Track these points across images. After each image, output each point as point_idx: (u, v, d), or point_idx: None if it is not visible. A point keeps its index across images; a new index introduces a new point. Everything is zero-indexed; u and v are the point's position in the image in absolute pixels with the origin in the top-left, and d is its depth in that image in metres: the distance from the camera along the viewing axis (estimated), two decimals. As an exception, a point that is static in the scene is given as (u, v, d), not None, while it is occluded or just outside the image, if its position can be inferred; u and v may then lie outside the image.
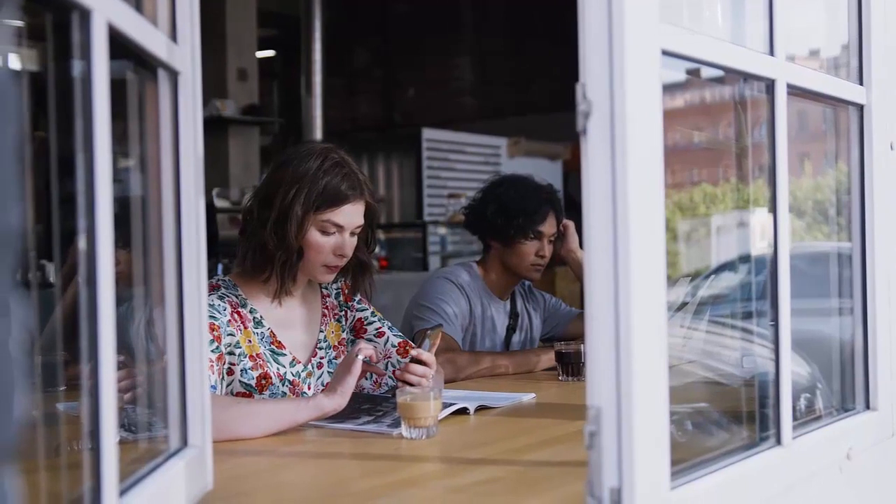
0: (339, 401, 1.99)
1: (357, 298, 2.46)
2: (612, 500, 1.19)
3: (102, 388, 1.02)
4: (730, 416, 1.75)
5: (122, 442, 1.09)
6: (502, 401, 2.30)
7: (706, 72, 1.57)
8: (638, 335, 1.19)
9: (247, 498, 1.56)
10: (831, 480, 1.70)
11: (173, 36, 1.37)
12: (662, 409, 1.24)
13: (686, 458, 1.37)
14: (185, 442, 1.40)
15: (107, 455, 1.03)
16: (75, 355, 1.11)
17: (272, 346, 2.25)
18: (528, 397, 2.39)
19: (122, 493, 1.12)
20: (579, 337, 3.02)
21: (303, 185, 2.18)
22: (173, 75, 1.36)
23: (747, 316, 1.98)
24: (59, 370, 1.40)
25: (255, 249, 2.22)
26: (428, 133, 8.25)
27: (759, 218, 1.92)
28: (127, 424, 1.43)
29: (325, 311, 2.41)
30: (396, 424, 1.94)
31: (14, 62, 0.59)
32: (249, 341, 2.20)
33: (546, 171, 7.41)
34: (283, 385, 2.23)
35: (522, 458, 1.76)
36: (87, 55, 1.01)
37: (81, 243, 1.03)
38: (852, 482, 1.75)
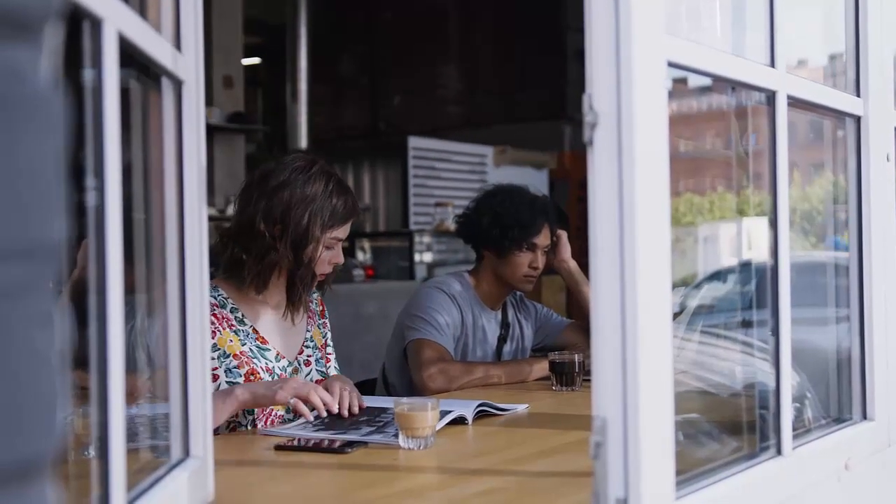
0: (250, 395, 2.09)
1: (325, 318, 2.57)
2: (617, 511, 1.19)
3: (111, 398, 1.01)
4: (729, 427, 1.76)
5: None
6: (498, 409, 2.30)
7: (692, 81, 1.58)
8: (644, 345, 1.19)
9: (247, 509, 1.55)
10: (830, 490, 1.71)
11: (177, 44, 1.36)
12: (668, 419, 1.24)
13: (688, 469, 1.38)
14: (187, 453, 1.39)
15: (115, 466, 1.02)
16: (73, 363, 1.11)
17: (257, 343, 2.32)
18: (522, 408, 2.38)
19: (128, 504, 1.11)
20: (571, 346, 3.02)
21: (315, 208, 2.29)
22: (177, 84, 1.36)
23: (739, 326, 1.99)
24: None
25: (268, 268, 2.30)
26: (414, 141, 8.25)
27: (748, 228, 1.93)
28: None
29: (310, 314, 2.50)
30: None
31: (58, 75, 0.59)
32: (230, 341, 2.27)
33: (532, 180, 7.41)
34: (272, 378, 2.30)
35: (522, 469, 1.76)
36: (97, 64, 1.01)
37: (91, 251, 1.02)
38: (850, 492, 1.75)
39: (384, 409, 2.22)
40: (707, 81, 1.61)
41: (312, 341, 2.48)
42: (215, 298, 2.29)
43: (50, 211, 0.54)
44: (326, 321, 2.57)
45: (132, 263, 1.36)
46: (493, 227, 3.04)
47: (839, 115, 1.85)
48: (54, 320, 0.56)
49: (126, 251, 1.30)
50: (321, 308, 2.58)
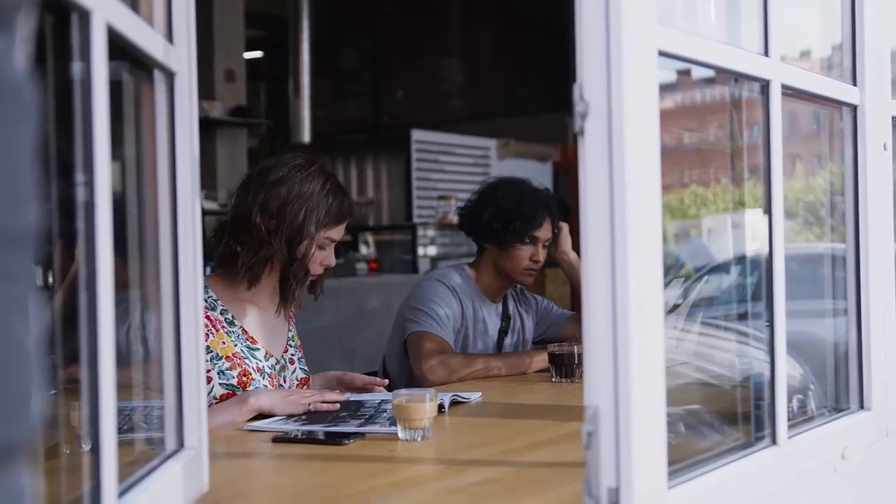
0: (269, 402, 2.15)
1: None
2: (609, 500, 1.19)
3: (102, 390, 1.02)
4: (724, 416, 1.76)
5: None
6: (462, 398, 2.35)
7: (696, 73, 1.58)
8: (635, 335, 1.19)
9: (242, 500, 1.56)
10: (826, 480, 1.71)
11: (169, 37, 1.36)
12: (660, 409, 1.24)
13: (683, 459, 1.38)
14: (181, 444, 1.40)
15: (106, 457, 1.02)
16: (69, 357, 1.11)
17: (247, 343, 2.35)
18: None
19: (121, 494, 1.11)
20: (572, 339, 3.02)
21: (311, 205, 2.31)
22: (169, 76, 1.36)
23: (740, 317, 1.99)
24: (52, 373, 1.39)
25: (261, 262, 2.32)
26: (417, 135, 8.24)
27: (751, 219, 1.93)
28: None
29: (291, 314, 2.54)
30: (395, 423, 1.93)
31: (32, 64, 0.59)
32: (223, 343, 2.30)
33: (536, 173, 7.41)
34: (262, 378, 2.33)
35: (519, 459, 1.77)
36: (86, 56, 1.01)
37: (80, 246, 1.03)
38: (847, 482, 1.75)
39: (362, 403, 2.24)
40: (711, 72, 1.60)
41: (294, 341, 2.52)
42: (205, 301, 2.30)
43: (25, 199, 0.54)
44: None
45: (126, 258, 1.36)
46: (495, 219, 3.04)
47: (835, 104, 1.85)
48: (31, 307, 0.56)
49: (120, 246, 1.30)
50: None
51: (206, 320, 2.26)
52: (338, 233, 2.39)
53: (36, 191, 0.56)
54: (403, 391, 2.00)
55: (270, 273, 2.36)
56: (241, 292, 2.37)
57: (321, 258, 2.37)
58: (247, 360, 2.31)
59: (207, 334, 2.25)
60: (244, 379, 2.28)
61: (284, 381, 2.42)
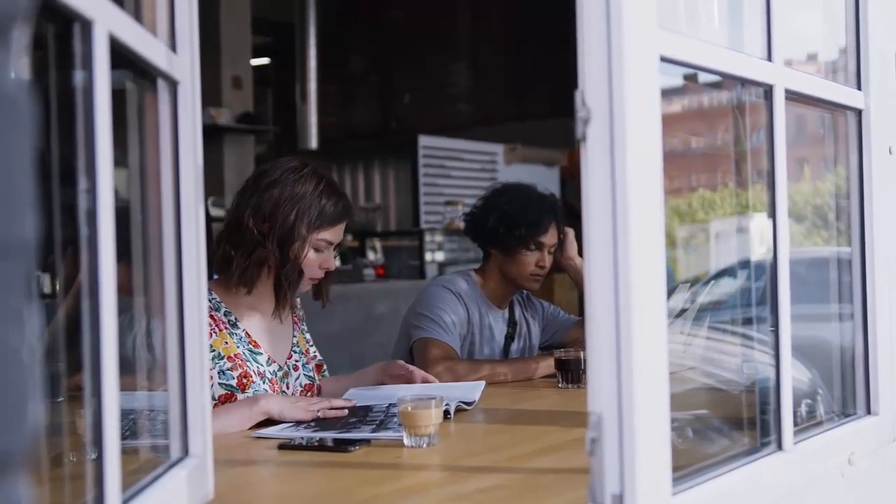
0: (277, 407, 2.13)
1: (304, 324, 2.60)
2: (614, 507, 1.19)
3: (105, 398, 1.02)
4: (731, 422, 1.75)
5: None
6: (462, 392, 2.35)
7: (703, 77, 1.58)
8: (639, 341, 1.19)
9: (248, 507, 1.56)
10: (833, 485, 1.70)
11: (173, 45, 1.37)
12: (664, 415, 1.24)
13: (688, 465, 1.37)
14: (186, 452, 1.40)
15: (110, 465, 1.02)
16: (75, 365, 1.11)
17: (249, 346, 2.35)
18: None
19: (125, 502, 1.11)
20: (578, 344, 3.02)
21: (303, 206, 2.31)
22: (173, 85, 1.36)
23: (747, 322, 1.98)
24: (58, 380, 1.40)
25: (255, 265, 2.32)
26: (424, 140, 8.24)
27: (758, 223, 1.92)
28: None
29: (296, 319, 2.54)
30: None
31: (28, 72, 0.59)
32: (226, 343, 2.31)
33: (543, 178, 7.41)
34: (263, 382, 2.33)
35: (524, 466, 1.76)
36: (88, 65, 1.01)
37: (83, 253, 1.03)
38: (854, 487, 1.75)
39: (370, 409, 2.23)
40: (718, 77, 1.60)
41: (298, 346, 2.51)
42: (210, 302, 2.31)
43: (21, 210, 0.55)
44: (305, 326, 2.61)
45: (131, 266, 1.37)
46: (500, 225, 3.04)
47: (840, 108, 1.85)
48: (28, 318, 0.56)
49: (125, 254, 1.30)
50: (302, 312, 2.62)
51: (209, 320, 2.27)
52: (333, 235, 2.37)
53: (34, 201, 0.56)
54: (409, 397, 1.99)
55: (269, 277, 2.37)
56: (242, 297, 2.36)
57: (319, 261, 2.36)
58: (248, 363, 2.32)
59: (210, 333, 2.25)
60: (244, 381, 2.28)
61: (287, 388, 2.41)
